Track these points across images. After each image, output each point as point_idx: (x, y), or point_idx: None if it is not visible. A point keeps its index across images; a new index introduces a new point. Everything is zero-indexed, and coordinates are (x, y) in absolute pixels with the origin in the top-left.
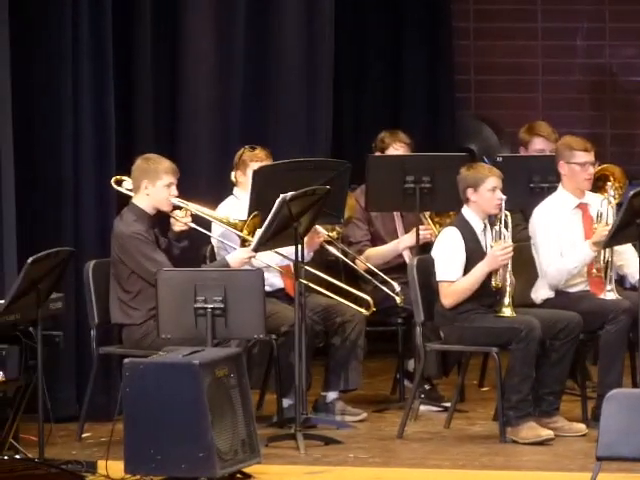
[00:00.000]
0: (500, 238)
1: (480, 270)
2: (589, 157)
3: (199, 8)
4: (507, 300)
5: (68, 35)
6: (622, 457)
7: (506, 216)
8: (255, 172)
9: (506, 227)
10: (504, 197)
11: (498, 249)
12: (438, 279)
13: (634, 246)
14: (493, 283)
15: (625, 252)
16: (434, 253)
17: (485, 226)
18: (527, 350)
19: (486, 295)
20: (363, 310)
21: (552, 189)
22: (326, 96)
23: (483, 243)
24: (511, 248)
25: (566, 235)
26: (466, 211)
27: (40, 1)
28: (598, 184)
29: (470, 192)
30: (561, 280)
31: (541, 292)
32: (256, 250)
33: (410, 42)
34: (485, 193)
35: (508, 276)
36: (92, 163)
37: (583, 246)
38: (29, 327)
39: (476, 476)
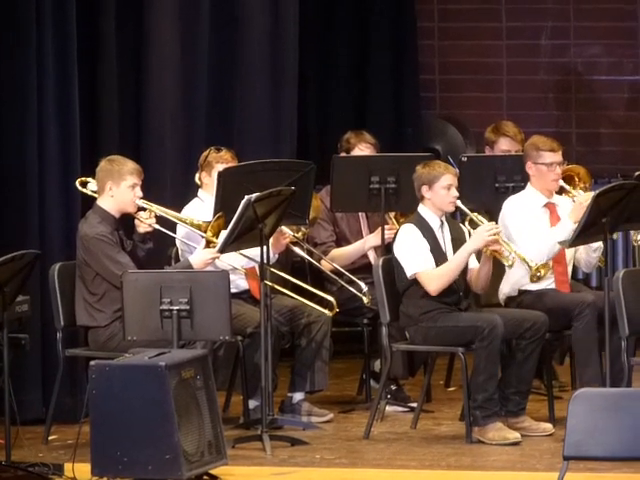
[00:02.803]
0: (474, 229)
1: (464, 251)
2: (556, 157)
3: (164, 8)
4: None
5: (32, 37)
6: (589, 457)
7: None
8: (220, 174)
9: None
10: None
11: (485, 227)
12: (411, 274)
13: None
14: (506, 263)
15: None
16: (396, 252)
17: (442, 223)
18: (491, 348)
19: (449, 293)
20: (327, 311)
21: (517, 189)
22: (291, 97)
23: (441, 240)
24: (497, 227)
25: (533, 231)
26: (422, 209)
27: (4, 2)
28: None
29: (425, 190)
30: (548, 253)
31: (504, 290)
32: (221, 251)
33: (375, 42)
34: (440, 190)
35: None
36: (57, 165)
37: (567, 221)
38: None
39: (443, 476)
